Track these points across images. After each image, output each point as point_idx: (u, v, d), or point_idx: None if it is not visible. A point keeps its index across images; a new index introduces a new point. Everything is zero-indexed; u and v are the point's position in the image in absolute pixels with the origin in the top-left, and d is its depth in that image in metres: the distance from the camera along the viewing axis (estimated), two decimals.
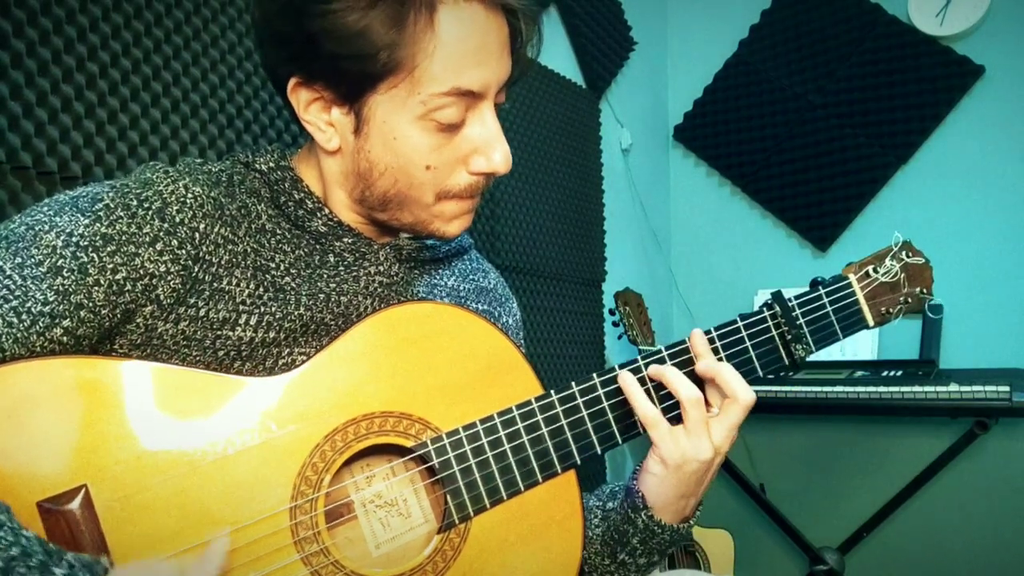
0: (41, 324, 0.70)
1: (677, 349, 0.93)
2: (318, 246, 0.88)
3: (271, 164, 0.88)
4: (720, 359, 0.93)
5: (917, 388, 2.21)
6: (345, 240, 0.88)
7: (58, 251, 0.73)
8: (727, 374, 0.89)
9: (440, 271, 0.99)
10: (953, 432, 2.40)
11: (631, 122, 2.86)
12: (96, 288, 0.73)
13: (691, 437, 0.88)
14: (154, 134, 1.26)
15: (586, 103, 2.56)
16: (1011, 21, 2.62)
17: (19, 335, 0.69)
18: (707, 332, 0.94)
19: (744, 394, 0.88)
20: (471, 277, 1.03)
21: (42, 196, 1.10)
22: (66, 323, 0.72)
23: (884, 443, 2.71)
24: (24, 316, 0.70)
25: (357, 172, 0.85)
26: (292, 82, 0.82)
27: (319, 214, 0.87)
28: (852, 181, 2.82)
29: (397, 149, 0.82)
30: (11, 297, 0.70)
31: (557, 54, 2.46)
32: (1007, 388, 2.14)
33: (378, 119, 0.81)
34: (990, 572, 2.56)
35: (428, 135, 0.81)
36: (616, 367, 0.91)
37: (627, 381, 0.90)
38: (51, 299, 0.71)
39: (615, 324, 2.25)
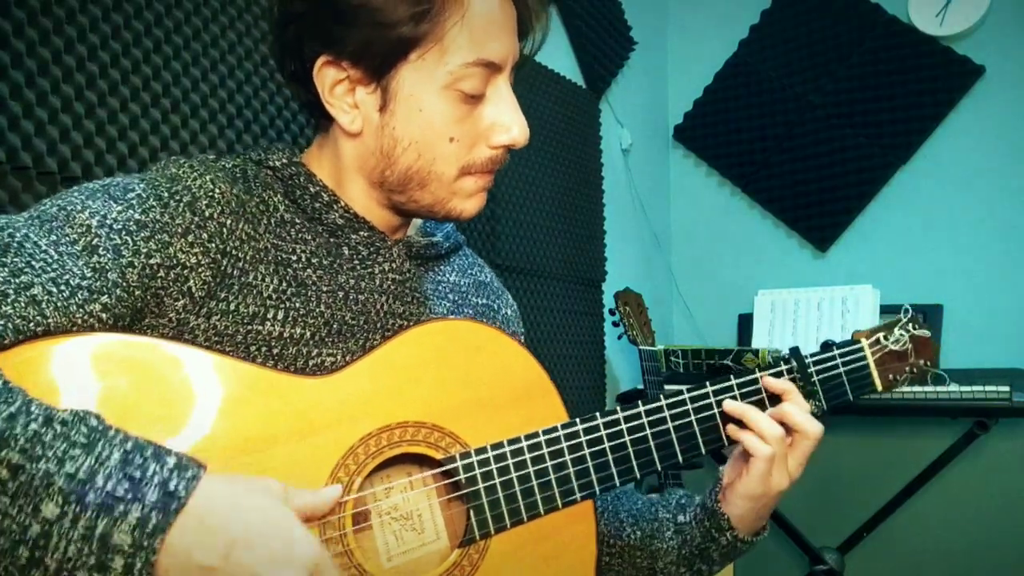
0: (80, 297, 0.71)
1: (745, 381, 0.98)
2: (332, 239, 0.89)
3: (283, 160, 0.89)
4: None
5: (917, 388, 2.20)
6: (361, 234, 0.90)
7: (93, 230, 0.73)
8: (795, 413, 0.95)
9: (442, 268, 1.01)
10: (953, 432, 2.40)
11: (631, 122, 2.86)
12: (130, 269, 0.74)
13: (774, 472, 0.94)
14: (154, 134, 1.26)
15: (586, 103, 2.56)
16: (1011, 21, 2.62)
17: (59, 303, 0.69)
18: (727, 381, 0.97)
19: (814, 428, 0.95)
20: (469, 272, 1.05)
21: (42, 196, 1.10)
22: (104, 299, 0.72)
23: (884, 443, 2.71)
24: (63, 287, 0.70)
25: (380, 151, 0.87)
26: (320, 61, 0.84)
27: (335, 206, 0.88)
28: (852, 181, 2.82)
29: (422, 121, 0.84)
30: (48, 270, 0.70)
31: (557, 54, 2.46)
32: (1007, 388, 2.14)
33: (405, 91, 0.84)
34: (990, 572, 2.56)
35: (452, 105, 0.84)
36: (640, 403, 0.93)
37: (748, 412, 0.95)
38: (88, 275, 0.72)
39: (615, 324, 2.25)
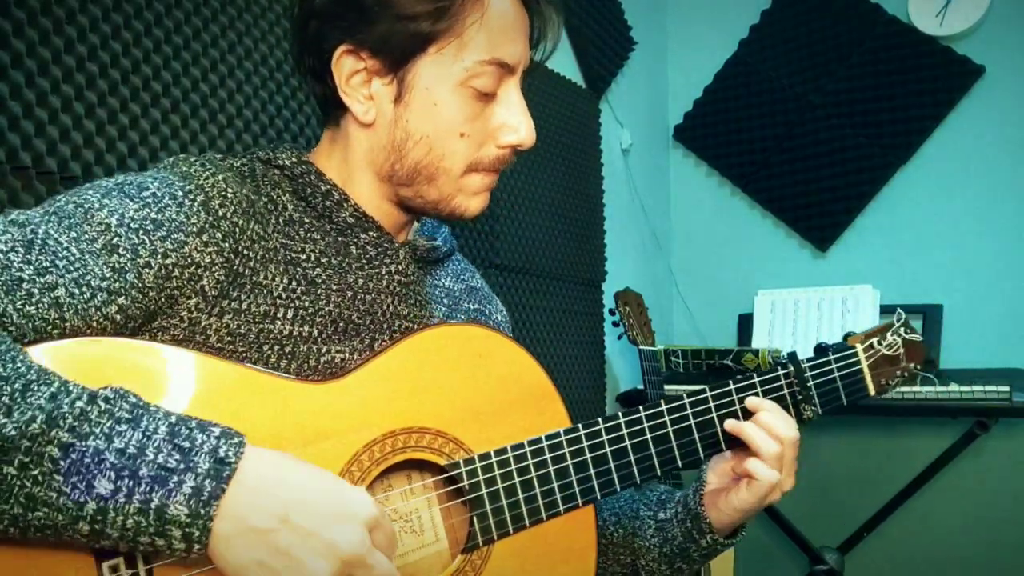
0: (99, 299, 0.71)
1: (745, 386, 0.99)
2: (341, 238, 0.90)
3: (292, 159, 0.90)
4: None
5: (917, 388, 2.21)
6: (370, 234, 0.91)
7: (112, 229, 0.73)
8: (772, 420, 0.95)
9: (438, 272, 1.02)
10: (953, 432, 2.40)
11: (631, 122, 2.86)
12: (147, 270, 0.74)
13: (776, 492, 0.96)
14: (154, 134, 1.27)
15: (586, 103, 2.56)
16: (1011, 21, 2.62)
17: (79, 307, 0.70)
18: (726, 385, 0.97)
19: (791, 432, 0.95)
20: (462, 277, 1.06)
21: (42, 196, 1.10)
22: (121, 300, 0.72)
23: (884, 443, 2.71)
24: (84, 289, 0.70)
25: (392, 144, 0.88)
26: (340, 51, 0.85)
27: (346, 205, 0.89)
28: (852, 181, 2.82)
29: (436, 116, 0.87)
30: (72, 269, 0.70)
31: (557, 54, 2.46)
32: (1007, 388, 2.14)
33: (421, 85, 0.86)
34: (990, 572, 2.56)
35: (465, 102, 0.87)
36: (641, 408, 0.93)
37: (750, 432, 0.95)
38: (108, 275, 0.72)
39: (615, 324, 2.25)
